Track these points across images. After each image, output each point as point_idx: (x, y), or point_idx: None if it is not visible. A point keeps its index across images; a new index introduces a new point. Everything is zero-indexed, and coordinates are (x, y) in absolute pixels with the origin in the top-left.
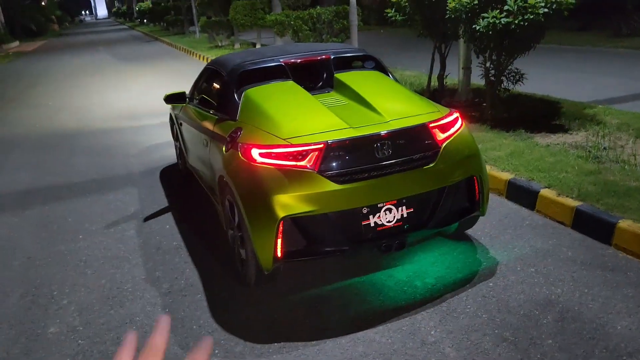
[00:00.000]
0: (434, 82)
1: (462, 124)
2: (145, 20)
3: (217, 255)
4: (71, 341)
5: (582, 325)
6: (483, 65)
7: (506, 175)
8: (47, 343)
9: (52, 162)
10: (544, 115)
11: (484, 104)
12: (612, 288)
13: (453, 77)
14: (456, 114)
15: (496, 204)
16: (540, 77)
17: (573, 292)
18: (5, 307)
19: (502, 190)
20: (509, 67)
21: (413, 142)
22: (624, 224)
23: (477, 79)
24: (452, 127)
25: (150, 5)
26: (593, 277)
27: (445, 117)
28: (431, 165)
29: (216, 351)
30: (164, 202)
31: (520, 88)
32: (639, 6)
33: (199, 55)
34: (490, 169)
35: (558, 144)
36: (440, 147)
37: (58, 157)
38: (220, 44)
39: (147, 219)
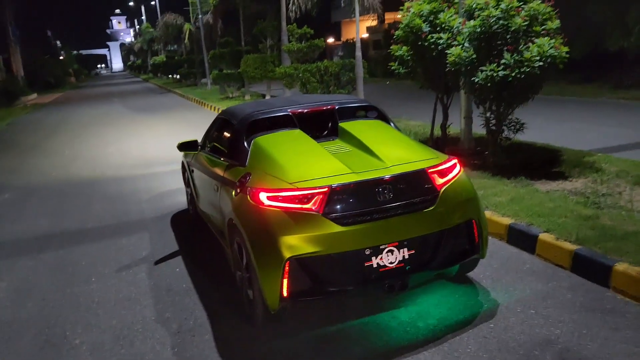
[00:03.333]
0: (437, 132)
1: (460, 170)
2: (159, 73)
3: (225, 296)
4: None
5: None
6: (484, 115)
7: (507, 220)
8: None
9: (69, 208)
10: (544, 163)
11: (486, 152)
12: (611, 329)
13: (456, 127)
14: (454, 160)
15: (497, 247)
16: (542, 126)
17: (572, 333)
18: (19, 347)
19: (503, 235)
20: (509, 117)
21: (413, 186)
22: (620, 266)
23: (479, 128)
24: (450, 172)
25: (164, 59)
26: (592, 318)
27: (444, 163)
28: (431, 208)
29: None
30: (174, 246)
31: (522, 137)
32: (639, 59)
33: (211, 106)
34: (491, 214)
35: (557, 190)
36: (439, 192)
37: (74, 204)
38: (231, 95)
39: (157, 262)
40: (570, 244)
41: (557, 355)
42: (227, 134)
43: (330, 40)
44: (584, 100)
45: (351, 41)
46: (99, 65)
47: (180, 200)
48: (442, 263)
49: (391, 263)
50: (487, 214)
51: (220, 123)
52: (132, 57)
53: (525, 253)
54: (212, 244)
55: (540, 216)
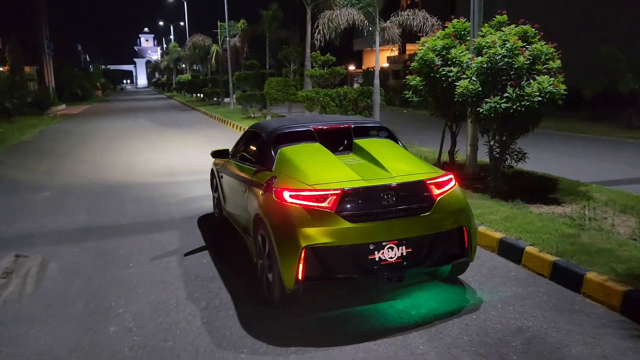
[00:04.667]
0: (445, 157)
1: (454, 184)
2: (183, 91)
3: (246, 283)
4: (128, 337)
5: (544, 348)
6: (488, 143)
7: (498, 235)
8: (109, 337)
9: (104, 207)
10: (541, 190)
11: (488, 177)
12: (575, 324)
13: (462, 154)
14: (450, 176)
15: (488, 258)
16: (547, 159)
17: (542, 325)
18: (73, 312)
19: (495, 247)
20: (512, 147)
21: (413, 194)
22: (590, 275)
23: (484, 156)
24: (446, 185)
25: (190, 77)
26: (561, 316)
27: (441, 177)
28: (427, 214)
29: (245, 350)
30: (201, 242)
31: (525, 166)
32: None
33: (233, 124)
34: (485, 229)
35: (548, 213)
36: (435, 200)
37: (108, 204)
38: (252, 115)
39: (187, 254)
40: (550, 256)
41: (525, 340)
42: (256, 144)
43: (351, 67)
44: (593, 138)
45: (371, 69)
46: (124, 81)
47: (206, 205)
48: (434, 261)
49: (391, 258)
50: (482, 229)
51: (250, 135)
52: (157, 74)
53: (512, 263)
54: (235, 241)
55: (528, 232)
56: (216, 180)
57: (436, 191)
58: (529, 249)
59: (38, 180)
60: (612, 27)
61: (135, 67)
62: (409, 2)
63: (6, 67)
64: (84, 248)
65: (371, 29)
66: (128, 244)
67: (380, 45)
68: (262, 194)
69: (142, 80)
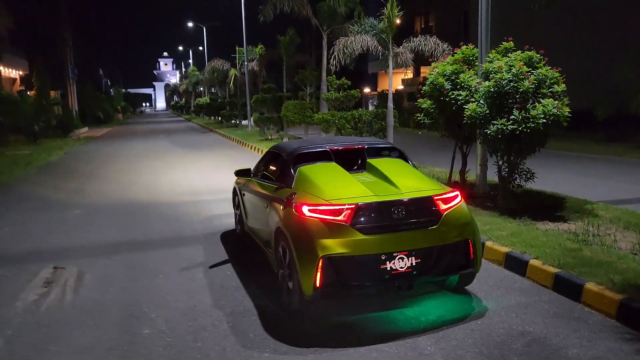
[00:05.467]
0: (456, 177)
1: (460, 200)
2: (201, 114)
3: (267, 293)
4: (161, 339)
5: (543, 350)
6: (497, 163)
7: (505, 249)
8: (143, 339)
9: (131, 223)
10: (548, 208)
11: (498, 196)
12: (573, 330)
13: (472, 173)
14: (456, 192)
15: (495, 271)
16: (558, 179)
17: (542, 330)
18: (109, 317)
19: (501, 261)
20: (521, 167)
21: (421, 209)
22: (589, 285)
23: (494, 175)
24: (452, 201)
25: (208, 100)
26: (560, 322)
27: (447, 193)
28: (434, 227)
29: (267, 350)
30: (224, 256)
31: (535, 186)
32: None
33: (251, 146)
34: (492, 244)
35: (554, 229)
36: (442, 215)
37: (136, 220)
38: (270, 137)
39: (211, 266)
40: (553, 268)
41: (526, 343)
42: (277, 164)
43: (367, 89)
44: (605, 158)
45: (386, 92)
46: (143, 104)
47: (228, 222)
48: (442, 271)
49: (401, 267)
50: (489, 243)
51: (271, 155)
52: (175, 97)
53: (517, 275)
54: (256, 255)
55: (533, 247)
56: (238, 198)
57: (443, 206)
58: (533, 262)
59: (67, 198)
60: (626, 48)
61: (154, 90)
62: (422, 26)
63: (33, 92)
64: (116, 261)
65: (385, 54)
66: (156, 257)
67: (394, 69)
68: (283, 209)
69: (160, 103)
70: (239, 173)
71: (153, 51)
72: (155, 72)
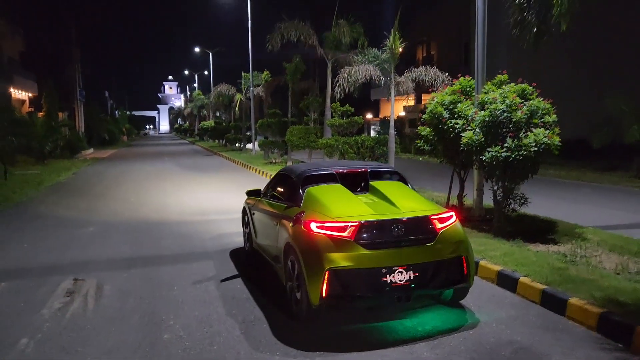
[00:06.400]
0: (454, 201)
1: (455, 220)
2: (205, 137)
3: (276, 303)
4: (180, 342)
5: (529, 356)
6: (492, 189)
7: (497, 267)
8: (164, 342)
9: (144, 241)
10: (540, 231)
11: (493, 219)
12: (557, 340)
13: (470, 198)
14: (451, 213)
15: (487, 287)
16: (553, 205)
17: (528, 339)
18: (131, 323)
19: (494, 279)
20: (515, 192)
21: (419, 227)
22: (573, 300)
23: (490, 200)
24: (447, 220)
25: (213, 124)
26: (546, 333)
27: (443, 213)
28: (431, 244)
29: (278, 353)
30: (234, 271)
31: (530, 211)
32: None
33: (255, 169)
34: (486, 263)
35: (544, 250)
36: (438, 233)
37: (148, 238)
38: (274, 161)
39: (223, 280)
40: (541, 285)
41: (513, 351)
42: (286, 185)
43: (369, 115)
44: (601, 186)
45: (388, 118)
46: (147, 126)
47: (236, 240)
48: (438, 285)
49: (400, 281)
50: (483, 262)
51: (280, 177)
52: (179, 120)
53: (508, 292)
54: (264, 270)
55: (524, 265)
56: (248, 217)
57: (439, 225)
58: (522, 279)
59: (80, 217)
60: (619, 82)
61: (158, 112)
62: (424, 55)
63: (41, 113)
64: (132, 274)
65: (387, 82)
66: (170, 271)
67: (396, 96)
68: (292, 226)
69: (164, 125)
70: (250, 193)
71: (158, 74)
72: (159, 95)
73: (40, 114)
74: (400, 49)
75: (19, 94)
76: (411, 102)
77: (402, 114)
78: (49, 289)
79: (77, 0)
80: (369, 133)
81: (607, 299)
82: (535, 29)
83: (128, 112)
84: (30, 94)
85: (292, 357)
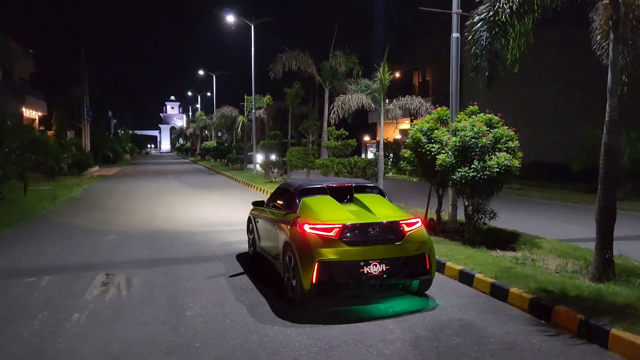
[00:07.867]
0: (432, 214)
1: (420, 225)
2: (206, 156)
3: (276, 292)
4: (200, 318)
5: (471, 328)
6: (464, 204)
7: (459, 267)
8: (187, 317)
9: (160, 246)
10: (504, 241)
11: (465, 231)
12: (496, 317)
13: (447, 213)
14: (418, 219)
15: (450, 283)
16: (527, 221)
17: (473, 318)
18: (158, 305)
19: (456, 276)
20: (484, 208)
21: (390, 229)
22: (513, 289)
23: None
24: (414, 225)
25: (215, 144)
26: (488, 314)
27: (410, 219)
28: (399, 243)
29: (277, 324)
30: (240, 269)
31: (502, 225)
32: (631, 175)
33: (256, 187)
34: (451, 264)
35: (501, 255)
36: (405, 234)
37: (163, 244)
38: (274, 180)
39: (231, 276)
40: (490, 279)
41: (461, 324)
42: (285, 196)
43: (367, 138)
44: (577, 207)
45: (386, 140)
46: (148, 145)
47: (241, 247)
48: (405, 276)
49: (375, 271)
50: (449, 263)
51: (280, 190)
52: (180, 140)
53: (467, 286)
54: (266, 269)
55: (481, 266)
56: (252, 225)
57: (407, 228)
58: (478, 275)
59: (99, 227)
60: (594, 110)
61: (159, 132)
62: (420, 80)
63: (51, 132)
64: (154, 271)
65: (377, 109)
66: (186, 269)
67: (386, 120)
68: (289, 228)
69: (165, 145)
70: (255, 203)
71: (160, 94)
72: (161, 114)
73: (49, 133)
74: (388, 81)
75: (29, 113)
76: (404, 126)
77: (398, 137)
78: (86, 281)
79: (84, 21)
80: (367, 154)
81: (539, 289)
82: (487, 74)
83: (130, 131)
84: (40, 113)
85: (287, 327)
